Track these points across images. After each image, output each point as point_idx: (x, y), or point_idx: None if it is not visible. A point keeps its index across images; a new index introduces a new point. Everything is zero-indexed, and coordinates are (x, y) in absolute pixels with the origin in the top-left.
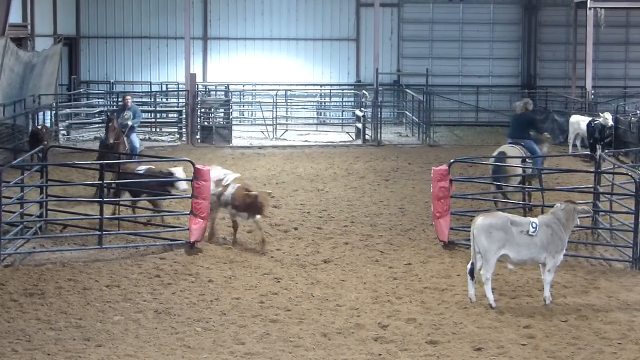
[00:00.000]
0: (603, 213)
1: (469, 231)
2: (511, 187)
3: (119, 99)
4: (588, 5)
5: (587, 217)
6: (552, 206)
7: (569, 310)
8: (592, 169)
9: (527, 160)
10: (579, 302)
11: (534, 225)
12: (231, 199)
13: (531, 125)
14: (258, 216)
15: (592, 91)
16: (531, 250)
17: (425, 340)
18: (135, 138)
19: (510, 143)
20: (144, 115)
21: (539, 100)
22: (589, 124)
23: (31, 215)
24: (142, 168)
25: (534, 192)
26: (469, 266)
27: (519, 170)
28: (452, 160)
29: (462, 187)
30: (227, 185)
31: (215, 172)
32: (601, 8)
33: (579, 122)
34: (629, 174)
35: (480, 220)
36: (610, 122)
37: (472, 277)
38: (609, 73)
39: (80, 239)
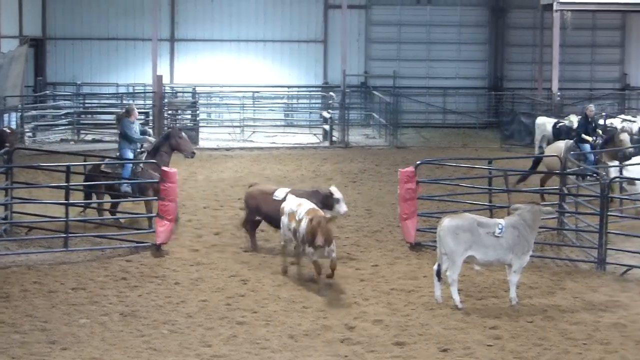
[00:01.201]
0: (569, 214)
1: (436, 233)
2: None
3: (86, 101)
4: (554, 8)
5: (552, 218)
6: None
7: (535, 311)
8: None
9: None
10: (545, 303)
11: (500, 226)
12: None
13: None
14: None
15: (559, 93)
16: (497, 252)
17: (391, 342)
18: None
19: None
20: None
21: (506, 102)
22: (554, 126)
23: None
24: (281, 191)
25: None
26: (435, 267)
27: None
28: (418, 162)
29: (429, 188)
30: (300, 220)
31: (289, 203)
32: (567, 10)
33: (545, 124)
34: (595, 175)
35: (446, 221)
36: (576, 124)
37: (439, 278)
38: (575, 75)
39: (46, 241)
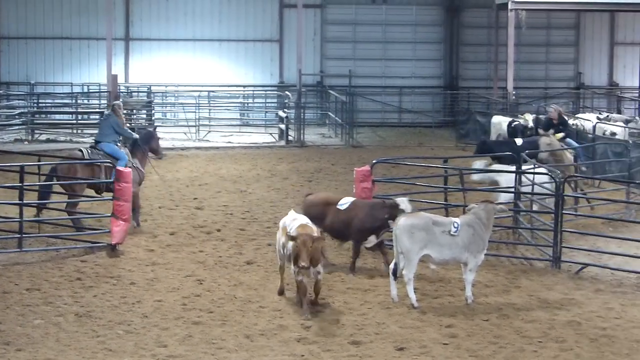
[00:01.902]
0: (524, 213)
1: (392, 232)
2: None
3: (40, 101)
4: (509, 7)
5: (506, 217)
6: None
7: (491, 309)
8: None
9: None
10: (500, 301)
11: (455, 225)
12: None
13: None
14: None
15: (514, 92)
16: (453, 250)
17: (348, 341)
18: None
19: None
20: (66, 117)
21: (462, 101)
22: (509, 125)
23: None
24: (346, 200)
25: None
26: (391, 266)
27: None
28: (374, 161)
29: (385, 187)
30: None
31: (287, 217)
32: (522, 10)
33: (501, 122)
34: (549, 174)
35: (402, 220)
36: (531, 123)
37: (395, 277)
38: (530, 74)
39: (0, 242)
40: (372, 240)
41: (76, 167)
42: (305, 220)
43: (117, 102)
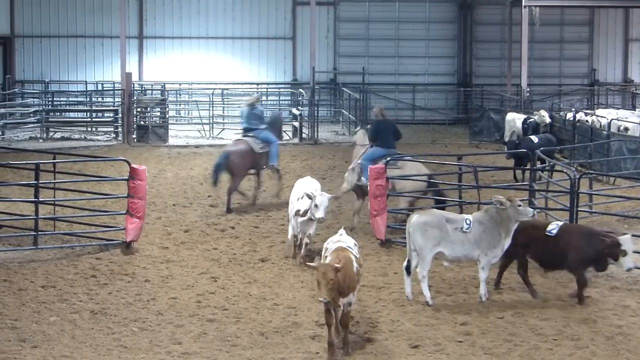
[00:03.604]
0: (539, 210)
1: (405, 229)
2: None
3: (54, 99)
4: (523, 4)
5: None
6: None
7: (505, 306)
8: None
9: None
10: (515, 299)
11: (467, 222)
12: None
13: (395, 131)
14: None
15: (528, 89)
16: (465, 247)
17: (362, 338)
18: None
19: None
20: (80, 115)
21: (475, 98)
22: (524, 122)
23: None
24: (555, 225)
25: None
26: (405, 264)
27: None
28: (388, 159)
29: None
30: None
31: (334, 237)
32: (536, 6)
33: (515, 119)
34: (564, 171)
35: (415, 218)
36: (547, 120)
37: (409, 274)
38: (544, 71)
39: (15, 239)
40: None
41: (249, 152)
42: (347, 243)
43: (257, 94)
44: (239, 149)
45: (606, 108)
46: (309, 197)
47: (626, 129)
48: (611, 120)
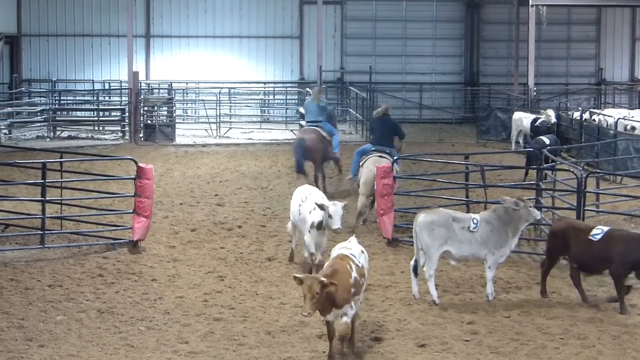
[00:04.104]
0: (545, 209)
1: (412, 228)
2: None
3: (61, 98)
4: (530, 3)
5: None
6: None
7: (512, 306)
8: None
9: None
10: (521, 298)
11: (474, 221)
12: None
13: (396, 130)
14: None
15: (535, 88)
16: (472, 246)
17: (369, 337)
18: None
19: (374, 151)
20: (87, 114)
21: (482, 97)
22: (532, 123)
23: None
24: (600, 230)
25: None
26: (412, 263)
27: None
28: (395, 157)
29: (406, 184)
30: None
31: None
32: (543, 5)
33: (522, 119)
34: (571, 170)
35: (422, 217)
36: (553, 119)
37: (416, 273)
38: (551, 70)
39: (22, 238)
40: (631, 277)
41: (320, 138)
42: (352, 251)
43: (317, 87)
44: (311, 135)
45: (613, 107)
46: (322, 207)
47: (633, 128)
48: (618, 119)
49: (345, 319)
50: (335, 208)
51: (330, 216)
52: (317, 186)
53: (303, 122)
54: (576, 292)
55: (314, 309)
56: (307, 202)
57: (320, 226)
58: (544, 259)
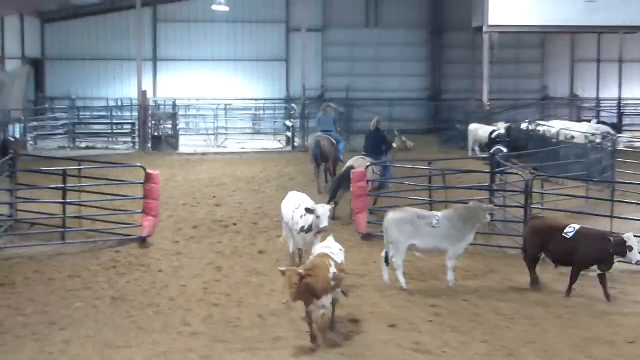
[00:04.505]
0: (498, 207)
1: (383, 224)
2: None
3: (80, 113)
4: (484, 30)
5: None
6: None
7: (470, 290)
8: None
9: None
10: (478, 284)
11: (436, 218)
12: None
13: (384, 141)
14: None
15: (488, 103)
16: (434, 240)
17: (347, 319)
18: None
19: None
20: (102, 127)
21: (443, 111)
22: (490, 135)
23: (2, 215)
24: (572, 227)
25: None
26: (382, 254)
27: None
28: (368, 164)
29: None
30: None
31: (322, 243)
32: (495, 32)
33: (477, 129)
34: (519, 173)
35: (391, 214)
36: (502, 131)
37: (386, 263)
38: (502, 87)
39: (46, 235)
40: (594, 269)
41: (331, 142)
42: (331, 250)
43: (326, 104)
44: (325, 140)
45: (556, 119)
46: (310, 211)
47: (572, 137)
48: (560, 129)
49: (323, 311)
50: (323, 209)
51: (318, 217)
52: (324, 177)
53: (318, 132)
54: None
55: (292, 297)
56: (299, 208)
57: (309, 229)
58: (526, 254)
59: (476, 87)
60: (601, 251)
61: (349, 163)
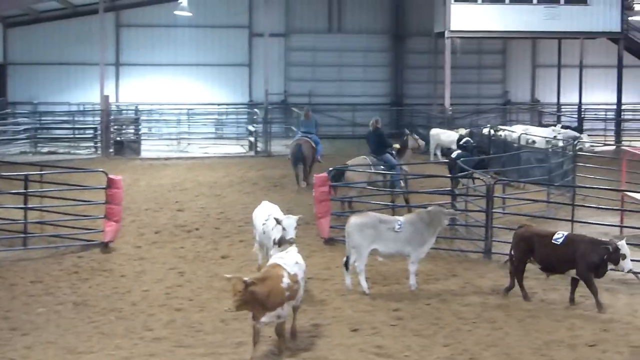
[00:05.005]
0: (460, 212)
1: (345, 229)
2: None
3: (42, 118)
4: (446, 36)
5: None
6: (419, 207)
7: (432, 295)
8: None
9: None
10: (440, 288)
11: (399, 223)
12: None
13: (385, 141)
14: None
15: (450, 108)
16: (397, 245)
17: (309, 324)
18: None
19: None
20: (65, 132)
21: (406, 116)
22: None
23: None
24: (561, 234)
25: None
26: (345, 259)
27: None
28: (331, 169)
29: (342, 190)
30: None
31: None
32: (457, 38)
33: (439, 134)
34: (481, 178)
35: (353, 219)
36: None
37: (348, 268)
38: (464, 92)
39: (7, 241)
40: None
41: (310, 145)
42: (284, 260)
43: (307, 108)
44: (305, 142)
45: (517, 124)
46: (278, 222)
47: (534, 142)
48: (521, 134)
49: (280, 320)
50: (289, 221)
51: (284, 228)
52: (303, 175)
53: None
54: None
55: (236, 306)
56: (269, 220)
57: (282, 242)
58: (514, 265)
59: (438, 93)
60: (598, 257)
61: (349, 162)
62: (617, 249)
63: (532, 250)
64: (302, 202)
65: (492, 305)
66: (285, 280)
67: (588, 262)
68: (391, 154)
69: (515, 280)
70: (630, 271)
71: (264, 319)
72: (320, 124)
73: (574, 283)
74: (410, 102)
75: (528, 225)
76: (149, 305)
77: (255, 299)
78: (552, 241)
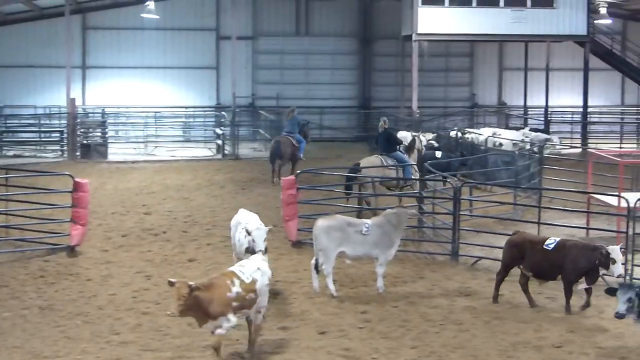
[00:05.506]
0: (427, 214)
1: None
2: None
3: (7, 121)
4: (413, 39)
5: (417, 219)
6: (385, 209)
7: (399, 297)
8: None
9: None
10: (407, 290)
11: (366, 226)
12: None
13: (395, 140)
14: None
15: (418, 111)
16: (365, 247)
17: (277, 327)
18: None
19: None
20: (31, 135)
21: (373, 119)
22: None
23: None
24: (552, 239)
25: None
26: (312, 262)
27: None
28: (298, 172)
29: (308, 194)
30: None
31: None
32: (424, 41)
33: (406, 137)
34: (448, 180)
35: (320, 222)
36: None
37: (316, 271)
38: (432, 95)
39: None
40: (582, 282)
41: (290, 143)
42: (243, 268)
43: (291, 107)
44: (285, 140)
45: (485, 127)
46: (248, 232)
47: (501, 144)
48: (488, 137)
49: (219, 331)
50: (258, 232)
51: (253, 240)
52: (279, 173)
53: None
54: (525, 297)
55: (179, 310)
56: (239, 230)
57: (253, 251)
58: (500, 268)
59: (406, 96)
60: (588, 262)
61: (361, 161)
62: (607, 254)
63: (522, 257)
64: (270, 205)
65: (459, 308)
66: (235, 290)
67: (578, 267)
68: (401, 152)
69: (495, 284)
70: (620, 276)
71: (207, 326)
72: (302, 122)
73: (588, 292)
74: (377, 105)
75: (521, 232)
76: (116, 309)
77: (199, 305)
78: (544, 247)
